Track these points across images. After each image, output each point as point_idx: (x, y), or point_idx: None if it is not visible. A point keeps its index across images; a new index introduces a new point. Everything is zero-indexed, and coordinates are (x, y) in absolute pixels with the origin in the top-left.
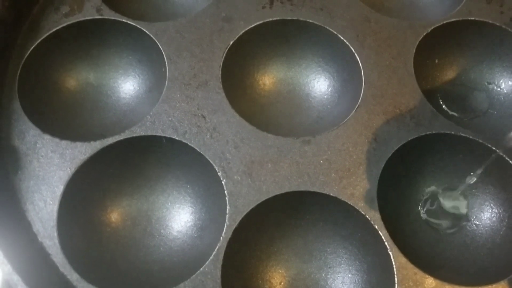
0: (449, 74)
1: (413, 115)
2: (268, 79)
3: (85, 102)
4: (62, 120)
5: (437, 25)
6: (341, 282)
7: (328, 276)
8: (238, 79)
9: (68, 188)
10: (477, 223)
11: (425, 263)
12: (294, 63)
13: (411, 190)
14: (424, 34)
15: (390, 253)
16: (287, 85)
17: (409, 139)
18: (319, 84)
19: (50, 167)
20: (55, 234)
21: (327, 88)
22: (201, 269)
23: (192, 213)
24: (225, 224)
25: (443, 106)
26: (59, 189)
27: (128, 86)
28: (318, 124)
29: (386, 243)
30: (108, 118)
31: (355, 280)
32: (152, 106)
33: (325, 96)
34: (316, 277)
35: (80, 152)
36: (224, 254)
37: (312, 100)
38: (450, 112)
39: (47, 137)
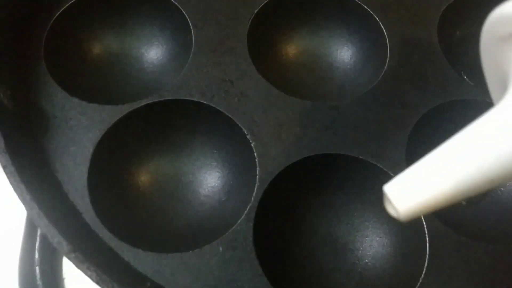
0: (472, 46)
1: (439, 82)
2: (291, 48)
3: (108, 70)
4: (88, 85)
5: None
6: (369, 245)
7: (356, 239)
8: (263, 47)
9: (98, 149)
10: (502, 189)
11: (455, 223)
12: (317, 33)
13: None
14: (449, 3)
15: (422, 217)
16: (309, 55)
17: (435, 105)
18: (342, 55)
19: (79, 129)
20: (86, 193)
21: (350, 58)
22: (234, 227)
23: (219, 178)
24: (256, 185)
25: (465, 77)
26: (89, 150)
27: (151, 55)
28: (342, 94)
29: None
30: (132, 87)
31: (384, 243)
32: (176, 75)
33: (348, 66)
34: (343, 240)
35: (108, 115)
36: (256, 213)
37: (335, 70)
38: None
39: (75, 100)
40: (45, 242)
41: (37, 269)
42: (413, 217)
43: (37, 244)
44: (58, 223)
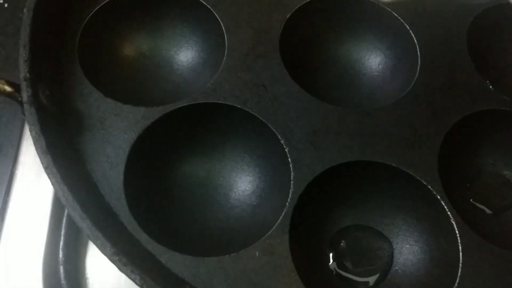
0: (500, 58)
1: (469, 91)
2: (321, 54)
3: (140, 71)
4: (122, 86)
5: (487, 7)
6: (399, 253)
7: (385, 246)
8: (295, 52)
9: (133, 151)
10: None
11: (488, 232)
12: (345, 39)
13: (470, 162)
14: (479, 12)
15: (453, 222)
16: (338, 61)
17: (466, 114)
18: (370, 61)
19: (114, 130)
20: (122, 195)
21: (378, 65)
22: (269, 232)
23: (250, 182)
24: (290, 190)
25: (493, 87)
26: (124, 151)
27: (181, 57)
28: (370, 100)
29: (448, 213)
30: (163, 89)
31: (414, 250)
32: (206, 78)
33: (376, 73)
34: (373, 246)
35: (143, 116)
36: (291, 219)
37: (363, 76)
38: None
39: (109, 101)
40: (69, 241)
41: (61, 268)
42: None
43: (61, 243)
44: (99, 224)
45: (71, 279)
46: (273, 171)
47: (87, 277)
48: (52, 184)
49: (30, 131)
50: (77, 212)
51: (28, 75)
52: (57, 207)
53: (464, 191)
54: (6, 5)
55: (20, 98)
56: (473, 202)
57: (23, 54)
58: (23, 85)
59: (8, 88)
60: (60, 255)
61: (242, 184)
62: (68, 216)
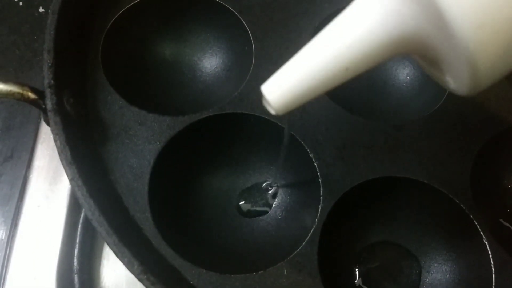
0: None
1: (502, 105)
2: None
3: (163, 78)
4: (146, 94)
5: None
6: (427, 271)
7: (414, 265)
8: None
9: (158, 162)
10: None
11: None
12: None
13: (502, 179)
14: None
15: (486, 243)
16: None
17: (500, 130)
18: (398, 72)
19: (138, 140)
20: (147, 207)
21: (406, 76)
22: (298, 250)
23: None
24: (320, 206)
25: None
26: (149, 162)
27: (204, 64)
28: (399, 111)
29: (481, 233)
30: (185, 97)
31: (443, 270)
32: (231, 86)
33: (404, 84)
34: (400, 264)
35: (168, 126)
36: (320, 236)
37: (391, 88)
38: None
39: (134, 109)
40: (84, 250)
41: (76, 278)
42: (287, 110)
43: (76, 252)
44: (125, 240)
45: None
46: (300, 185)
47: (102, 287)
48: (78, 197)
49: (55, 140)
50: (103, 228)
51: (52, 81)
52: (72, 214)
53: (495, 209)
54: (20, 3)
55: (44, 106)
56: (503, 221)
57: (47, 60)
58: (48, 92)
59: (32, 95)
60: (75, 263)
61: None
62: (83, 224)
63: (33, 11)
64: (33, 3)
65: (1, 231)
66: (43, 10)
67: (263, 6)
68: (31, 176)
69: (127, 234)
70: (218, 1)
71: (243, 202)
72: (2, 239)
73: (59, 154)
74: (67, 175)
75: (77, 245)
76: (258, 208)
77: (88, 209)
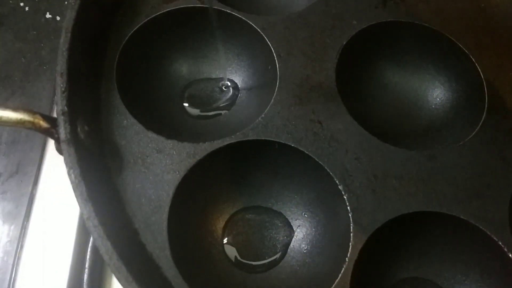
0: None
1: None
2: (374, 83)
3: (179, 98)
4: (162, 116)
5: None
6: None
7: None
8: (351, 82)
9: (177, 193)
10: None
11: None
12: (401, 67)
13: None
14: None
15: None
16: (391, 91)
17: None
18: (427, 93)
19: (156, 169)
20: (167, 244)
21: (436, 98)
22: None
23: (299, 226)
24: (350, 244)
25: None
26: (168, 194)
27: (224, 82)
28: (429, 136)
29: None
30: (208, 120)
31: None
32: (252, 105)
33: (433, 106)
34: None
35: (188, 154)
36: (352, 275)
37: (419, 109)
38: None
39: (151, 135)
40: (94, 276)
41: None
42: None
43: (85, 277)
44: (142, 282)
45: None
46: (327, 217)
47: None
48: (94, 238)
49: (69, 174)
50: (122, 274)
51: (66, 108)
52: (82, 236)
53: None
54: (26, 8)
55: (57, 135)
56: None
57: (60, 84)
58: (61, 120)
59: (44, 124)
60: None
61: (291, 227)
62: (93, 246)
63: (39, 16)
64: (39, 8)
65: (6, 252)
66: (50, 16)
67: (287, 23)
68: (38, 193)
69: (145, 274)
70: (240, 17)
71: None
72: (7, 261)
73: (74, 190)
74: (83, 213)
75: (86, 270)
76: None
77: (106, 253)
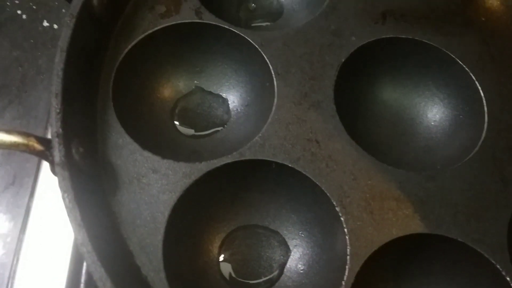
0: None
1: None
2: (372, 100)
3: (174, 115)
4: (158, 135)
5: None
6: None
7: None
8: (349, 100)
9: (172, 214)
10: None
11: None
12: (400, 83)
13: None
14: None
15: None
16: (390, 107)
17: None
18: (426, 109)
19: (152, 189)
20: (161, 267)
21: (435, 114)
22: None
23: (296, 245)
24: (347, 267)
25: None
26: (164, 215)
27: (221, 98)
28: (428, 154)
29: None
30: (205, 139)
31: None
32: (249, 122)
33: (432, 123)
34: None
35: (184, 174)
36: None
37: (418, 126)
38: None
39: (147, 154)
40: None
41: None
42: None
43: None
44: None
45: None
46: (325, 238)
47: None
48: (88, 264)
49: (63, 198)
50: None
51: (61, 130)
52: (78, 250)
53: None
54: (24, 16)
55: (51, 158)
56: None
57: (55, 105)
58: (55, 143)
59: (38, 147)
60: None
61: (288, 247)
62: None
63: (37, 25)
64: (37, 17)
65: (2, 265)
66: (47, 24)
67: (286, 39)
68: (34, 205)
69: None
70: (237, 33)
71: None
72: (3, 274)
73: (68, 214)
74: (76, 238)
75: (83, 281)
76: None
77: (100, 279)
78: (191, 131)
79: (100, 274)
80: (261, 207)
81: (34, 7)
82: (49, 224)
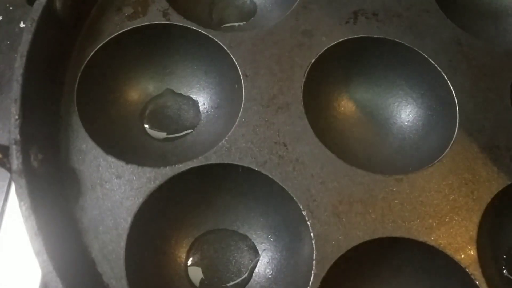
0: None
1: None
2: (345, 100)
3: (143, 119)
4: (124, 139)
5: None
6: None
7: None
8: (317, 102)
9: (135, 221)
10: None
11: None
12: (373, 83)
13: (509, 232)
14: None
15: None
16: (363, 108)
17: (510, 183)
18: (400, 109)
19: (115, 195)
20: (123, 274)
21: (408, 115)
22: None
23: (264, 249)
24: (312, 272)
25: None
26: (127, 221)
27: (191, 101)
28: (400, 155)
29: None
30: (168, 139)
31: None
32: (219, 124)
33: (406, 123)
34: None
35: (148, 179)
36: None
37: (391, 126)
38: None
39: (110, 159)
40: None
41: None
42: None
43: None
44: None
45: None
46: (293, 242)
47: None
48: (43, 274)
49: (20, 207)
50: None
51: (19, 137)
52: None
53: (500, 264)
54: (0, 17)
55: (9, 165)
56: (509, 276)
57: (13, 112)
58: (13, 150)
59: None
60: None
61: (257, 251)
62: None
63: (13, 26)
64: (13, 18)
65: None
66: (24, 25)
67: (255, 40)
68: (8, 208)
69: None
70: (205, 34)
71: None
72: None
73: (24, 223)
74: (32, 247)
75: None
76: None
77: None
78: (161, 135)
79: (55, 283)
80: (230, 211)
81: (10, 8)
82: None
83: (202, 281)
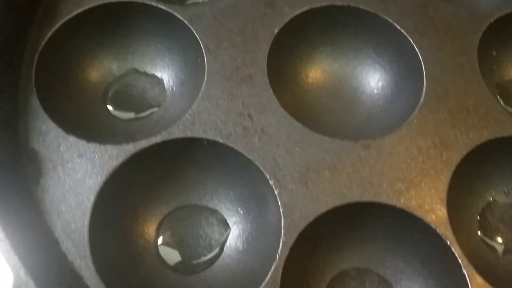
0: (509, 68)
1: (481, 115)
2: (312, 71)
3: (106, 99)
4: (86, 119)
5: (500, 15)
6: None
7: None
8: (284, 73)
9: (99, 199)
10: None
11: (504, 283)
12: (340, 53)
13: (481, 193)
14: (487, 25)
15: (465, 271)
16: (332, 78)
17: (479, 143)
18: (368, 77)
19: (77, 174)
20: (88, 252)
21: (377, 82)
22: None
23: (235, 223)
24: (281, 240)
25: (501, 102)
26: (89, 200)
27: (155, 79)
28: (370, 123)
29: (459, 260)
30: (135, 119)
31: None
32: (184, 101)
33: (375, 91)
34: None
35: (110, 156)
36: (282, 274)
37: (361, 95)
38: (509, 110)
39: (71, 139)
40: None
41: None
42: None
43: None
44: None
45: None
46: (261, 213)
47: None
48: (1, 252)
49: None
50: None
51: None
52: None
53: (473, 225)
54: None
55: None
56: (483, 237)
57: None
58: None
59: None
60: None
61: (226, 225)
62: None
63: None
64: None
65: None
66: None
67: (216, 13)
68: None
69: (64, 283)
70: (165, 9)
71: None
72: None
73: None
74: None
75: None
76: None
77: (13, 268)
78: (127, 115)
79: (14, 262)
80: (198, 186)
81: None
82: None
83: (172, 258)
